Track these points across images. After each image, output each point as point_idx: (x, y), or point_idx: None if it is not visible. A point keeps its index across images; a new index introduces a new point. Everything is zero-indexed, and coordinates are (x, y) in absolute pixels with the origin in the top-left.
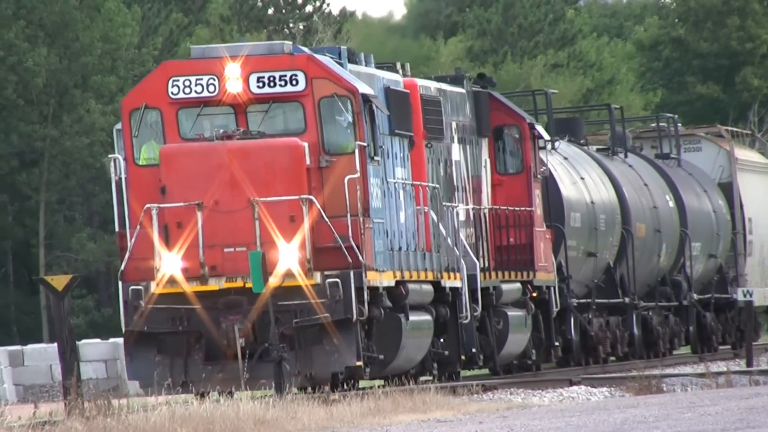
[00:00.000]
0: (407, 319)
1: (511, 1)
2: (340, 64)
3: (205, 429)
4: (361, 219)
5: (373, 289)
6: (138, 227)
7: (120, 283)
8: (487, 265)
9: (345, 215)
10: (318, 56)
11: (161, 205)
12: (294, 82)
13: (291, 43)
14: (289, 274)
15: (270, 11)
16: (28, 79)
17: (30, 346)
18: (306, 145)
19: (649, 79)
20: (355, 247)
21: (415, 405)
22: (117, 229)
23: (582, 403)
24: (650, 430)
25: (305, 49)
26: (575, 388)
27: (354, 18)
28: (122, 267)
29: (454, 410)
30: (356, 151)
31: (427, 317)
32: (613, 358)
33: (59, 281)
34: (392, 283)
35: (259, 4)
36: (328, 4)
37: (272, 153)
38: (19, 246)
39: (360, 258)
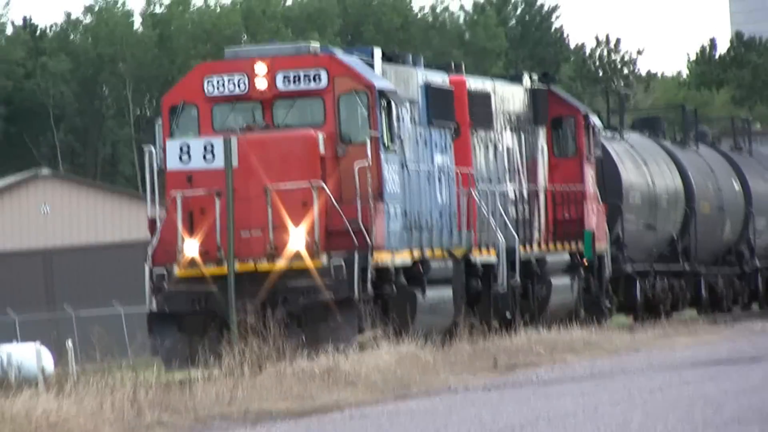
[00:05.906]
0: (424, 293)
1: (757, 64)
2: (370, 64)
3: (552, 348)
4: (371, 203)
5: (384, 269)
6: (165, 213)
7: (146, 266)
8: (538, 237)
9: (356, 200)
10: (340, 55)
11: (184, 193)
12: (317, 80)
13: (318, 44)
14: (297, 256)
15: (600, 73)
16: None
17: None
18: (321, 135)
19: None
20: (363, 230)
21: (689, 332)
22: (148, 215)
23: None
24: None
25: (333, 49)
26: None
27: (656, 77)
28: (151, 251)
29: (715, 334)
30: (368, 141)
31: (449, 290)
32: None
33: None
34: (408, 262)
35: (592, 68)
36: (638, 68)
37: (288, 143)
38: None
39: (367, 240)
